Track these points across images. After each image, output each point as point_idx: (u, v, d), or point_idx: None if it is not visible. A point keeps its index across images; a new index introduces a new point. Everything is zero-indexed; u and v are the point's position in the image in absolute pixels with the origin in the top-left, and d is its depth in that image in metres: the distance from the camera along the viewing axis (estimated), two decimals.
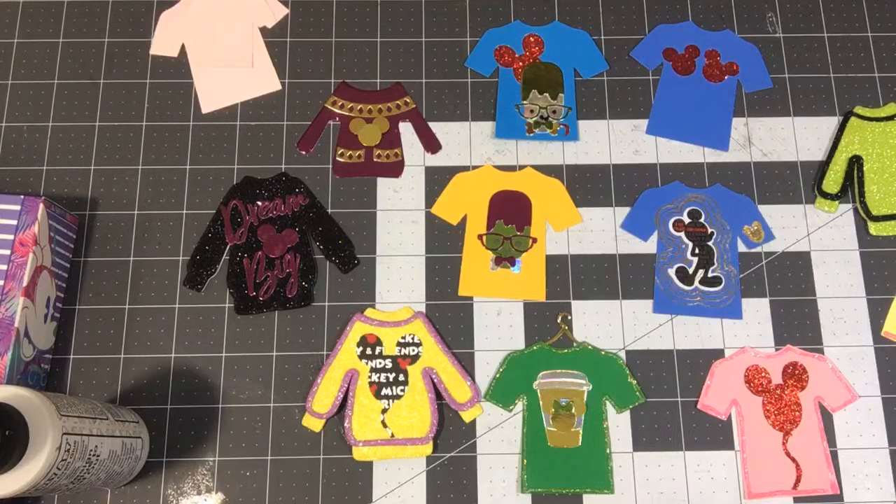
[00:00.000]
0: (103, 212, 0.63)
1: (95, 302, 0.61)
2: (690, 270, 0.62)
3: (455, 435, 0.59)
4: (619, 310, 0.61)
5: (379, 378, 0.59)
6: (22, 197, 0.56)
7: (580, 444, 0.58)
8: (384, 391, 0.58)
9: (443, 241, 0.63)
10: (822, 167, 0.65)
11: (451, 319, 0.61)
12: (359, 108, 0.66)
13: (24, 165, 0.64)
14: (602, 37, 0.69)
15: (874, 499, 0.58)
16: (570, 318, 0.61)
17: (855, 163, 0.64)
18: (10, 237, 0.55)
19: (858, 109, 0.66)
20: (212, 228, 0.62)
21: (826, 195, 0.64)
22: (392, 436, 0.57)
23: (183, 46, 0.68)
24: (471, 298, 0.62)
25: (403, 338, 0.60)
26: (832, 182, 0.64)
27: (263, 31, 0.68)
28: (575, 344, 0.60)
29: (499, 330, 0.61)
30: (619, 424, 0.59)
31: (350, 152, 0.65)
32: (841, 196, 0.64)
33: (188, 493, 0.57)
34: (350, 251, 0.62)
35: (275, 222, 0.63)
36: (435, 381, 0.59)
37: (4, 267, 0.54)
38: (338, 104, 0.66)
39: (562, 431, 0.58)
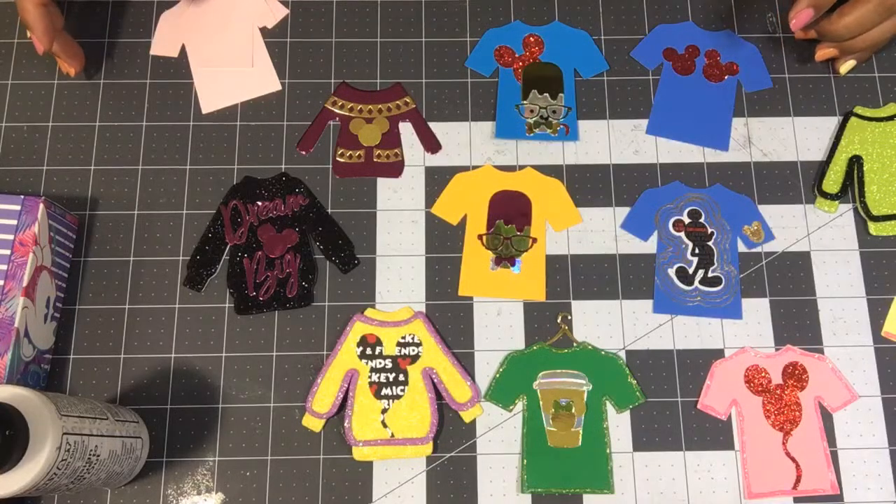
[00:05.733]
0: (103, 212, 0.63)
1: (95, 302, 0.61)
2: (690, 270, 0.62)
3: (455, 435, 0.59)
4: (619, 310, 0.61)
5: (379, 378, 0.59)
6: (22, 197, 0.56)
7: (580, 444, 0.58)
8: (384, 391, 0.59)
9: (443, 241, 0.63)
10: (822, 167, 0.65)
11: (451, 319, 0.61)
12: (359, 108, 0.66)
13: (24, 165, 0.64)
14: (602, 37, 0.69)
15: (874, 499, 0.58)
16: (570, 318, 0.61)
17: (855, 163, 0.64)
18: (10, 237, 0.55)
19: (858, 109, 0.66)
20: (212, 228, 0.62)
21: (826, 195, 0.64)
22: (392, 436, 0.57)
23: (183, 46, 0.68)
24: (471, 298, 0.62)
25: (403, 338, 0.60)
26: (832, 182, 0.64)
27: (263, 31, 0.68)
28: (575, 344, 0.60)
29: (499, 330, 0.61)
30: (619, 424, 0.59)
31: (350, 152, 0.65)
32: (841, 196, 0.64)
33: (188, 493, 0.57)
34: (350, 251, 0.62)
35: (275, 222, 0.63)
36: (435, 381, 0.59)
37: (4, 267, 0.54)
38: (338, 104, 0.66)
39: (562, 431, 0.58)
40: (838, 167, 0.64)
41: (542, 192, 0.64)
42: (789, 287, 0.62)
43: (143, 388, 0.59)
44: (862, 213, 0.63)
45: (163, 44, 0.68)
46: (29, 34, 0.60)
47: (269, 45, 0.68)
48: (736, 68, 0.68)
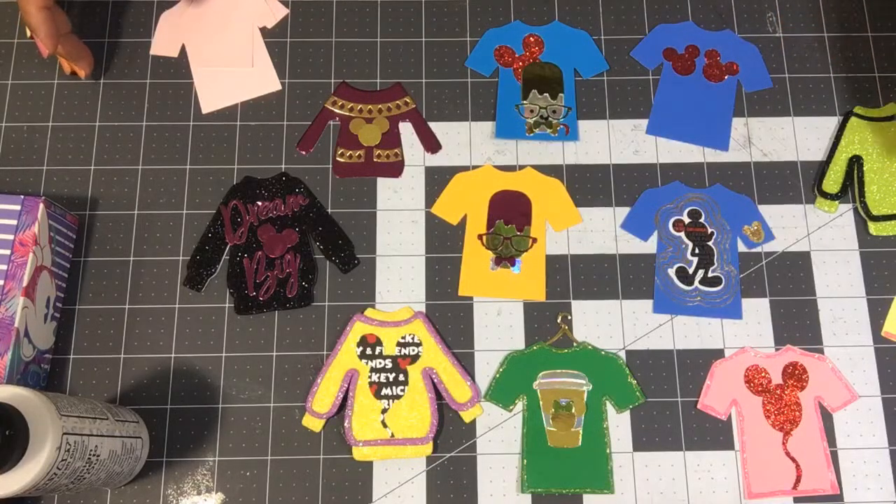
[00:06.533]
0: (103, 212, 0.63)
1: (95, 302, 0.61)
2: (690, 270, 0.62)
3: (455, 435, 0.59)
4: (619, 310, 0.61)
5: (379, 378, 0.59)
6: (22, 197, 0.56)
7: (580, 444, 0.58)
8: (384, 391, 0.58)
9: (443, 241, 0.63)
10: (823, 167, 0.65)
11: (451, 319, 0.61)
12: (359, 108, 0.66)
13: (24, 165, 0.64)
14: (602, 37, 0.69)
15: (874, 499, 0.58)
16: (570, 318, 0.61)
17: (855, 163, 0.64)
18: (10, 237, 0.55)
19: (858, 109, 0.66)
20: (212, 228, 0.62)
21: (826, 195, 0.64)
22: (392, 436, 0.57)
23: (183, 46, 0.68)
24: (471, 298, 0.62)
25: (403, 338, 0.60)
26: (832, 182, 0.64)
27: (263, 31, 0.68)
28: (575, 344, 0.60)
29: (499, 330, 0.61)
30: (619, 424, 0.59)
31: (350, 152, 0.65)
32: (841, 196, 0.64)
33: (188, 493, 0.57)
34: (350, 251, 0.62)
35: (275, 222, 0.63)
36: (435, 381, 0.59)
37: (4, 267, 0.54)
38: (338, 104, 0.66)
39: (562, 431, 0.58)
40: (838, 167, 0.64)
41: (542, 192, 0.64)
42: (789, 287, 0.62)
43: (143, 388, 0.59)
44: (862, 213, 0.63)
45: (163, 44, 0.67)
46: (30, 34, 0.60)
47: (269, 45, 0.68)
48: (736, 68, 0.68)
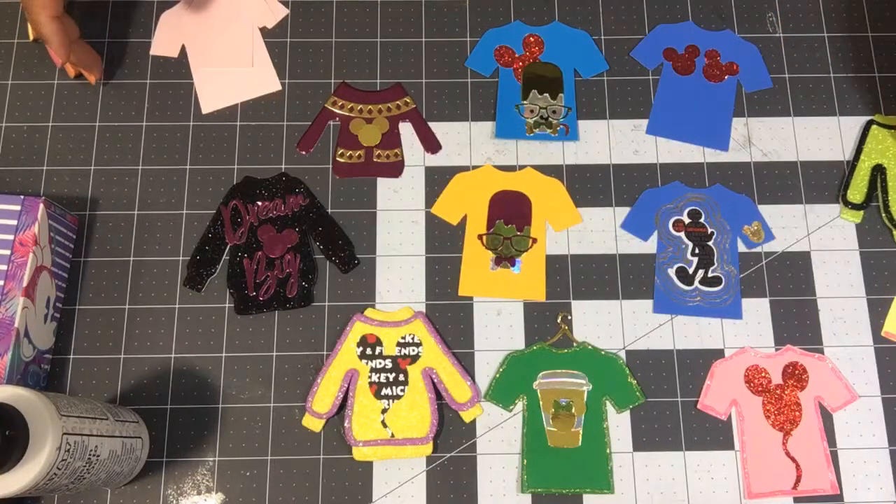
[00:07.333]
0: (103, 212, 0.63)
1: (95, 302, 0.61)
2: (690, 270, 0.62)
3: (455, 435, 0.59)
4: (619, 310, 0.61)
5: (379, 378, 0.59)
6: (22, 197, 0.56)
7: (580, 444, 0.58)
8: (384, 391, 0.58)
9: (443, 241, 0.63)
10: (846, 177, 0.64)
11: (451, 319, 0.61)
12: (359, 108, 0.66)
13: (24, 165, 0.64)
14: (602, 37, 0.69)
15: (874, 499, 0.58)
16: (570, 318, 0.61)
17: (878, 172, 0.64)
18: (10, 237, 0.55)
19: (878, 118, 0.66)
20: (212, 228, 0.62)
21: (851, 205, 0.63)
22: (392, 436, 0.57)
23: (183, 47, 0.68)
24: (471, 298, 0.62)
25: (403, 338, 0.60)
26: (856, 192, 0.64)
27: (263, 31, 0.68)
28: (575, 344, 0.60)
29: (499, 330, 0.61)
30: (619, 424, 0.59)
31: (350, 152, 0.65)
32: (866, 205, 0.63)
33: (188, 493, 0.57)
34: (350, 251, 0.62)
35: (275, 222, 0.63)
36: (435, 381, 0.59)
37: (4, 267, 0.54)
38: (338, 104, 0.66)
39: (562, 431, 0.58)
40: (862, 176, 0.64)
41: (542, 192, 0.64)
42: (789, 287, 0.62)
43: (143, 388, 0.59)
44: (886, 223, 0.63)
45: (163, 44, 0.67)
46: (33, 37, 0.60)
47: (269, 45, 0.68)
48: (736, 68, 0.68)
